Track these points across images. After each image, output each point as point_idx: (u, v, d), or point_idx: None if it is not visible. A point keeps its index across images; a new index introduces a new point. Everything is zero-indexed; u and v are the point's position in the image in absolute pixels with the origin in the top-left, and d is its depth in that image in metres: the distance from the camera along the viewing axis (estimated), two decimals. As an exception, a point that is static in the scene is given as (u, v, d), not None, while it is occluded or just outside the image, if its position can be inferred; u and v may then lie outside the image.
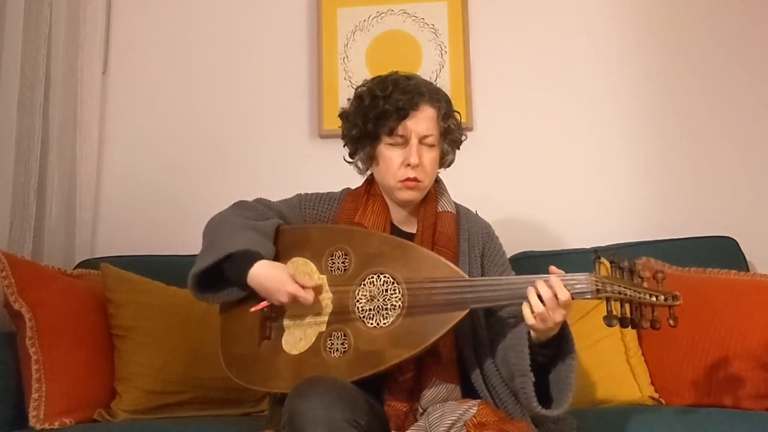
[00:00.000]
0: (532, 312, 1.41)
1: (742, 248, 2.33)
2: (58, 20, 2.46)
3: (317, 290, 1.56)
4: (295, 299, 1.53)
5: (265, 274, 1.55)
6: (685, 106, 2.59)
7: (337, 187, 1.81)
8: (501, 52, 2.67)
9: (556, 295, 1.40)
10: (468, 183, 2.37)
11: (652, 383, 2.08)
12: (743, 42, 2.60)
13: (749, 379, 1.91)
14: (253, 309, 1.59)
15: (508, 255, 1.83)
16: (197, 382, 2.04)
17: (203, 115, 2.69)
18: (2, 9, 2.27)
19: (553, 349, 1.48)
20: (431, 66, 2.65)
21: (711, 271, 2.16)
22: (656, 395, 2.06)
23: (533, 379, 1.44)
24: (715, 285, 2.10)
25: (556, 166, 2.59)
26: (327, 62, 2.67)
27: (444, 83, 2.58)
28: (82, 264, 2.37)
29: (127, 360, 2.03)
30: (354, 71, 2.64)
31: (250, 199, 1.77)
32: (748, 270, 2.30)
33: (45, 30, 2.39)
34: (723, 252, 2.31)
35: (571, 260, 2.17)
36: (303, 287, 1.53)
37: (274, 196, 1.81)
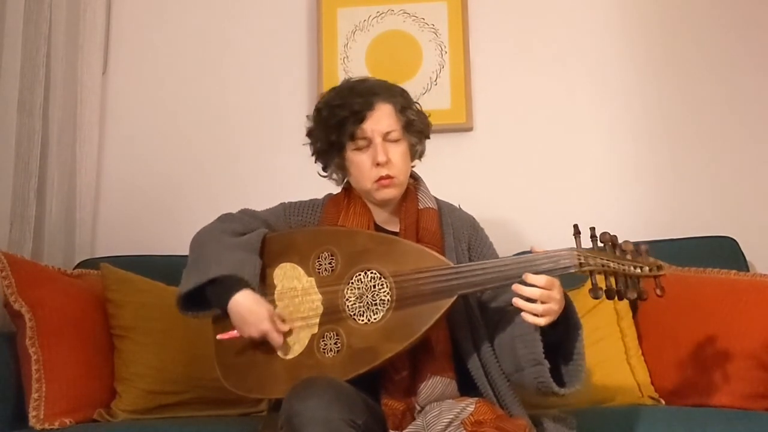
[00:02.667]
0: (537, 315, 1.41)
1: (742, 248, 2.33)
2: (58, 20, 2.46)
3: (290, 331, 1.57)
4: (264, 337, 1.54)
5: (247, 306, 1.55)
6: (685, 107, 2.59)
7: (336, 188, 1.81)
8: (501, 52, 2.67)
9: (542, 287, 1.40)
10: (468, 183, 2.39)
11: (652, 383, 2.08)
12: (746, 43, 2.60)
13: (749, 379, 1.91)
14: (220, 336, 1.61)
15: (507, 255, 1.82)
16: (197, 382, 2.04)
17: (203, 114, 2.70)
18: (2, 9, 2.27)
19: (563, 325, 1.48)
20: (431, 66, 2.64)
21: (711, 271, 2.16)
22: (656, 395, 2.06)
23: (548, 366, 1.45)
24: (715, 285, 2.10)
25: (555, 167, 2.59)
26: (327, 62, 2.67)
27: (444, 83, 2.60)
28: (82, 264, 2.37)
29: (127, 360, 2.04)
30: (354, 71, 2.64)
31: (248, 200, 1.79)
32: (748, 270, 2.29)
33: (45, 30, 2.39)
34: (723, 252, 2.30)
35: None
36: (277, 330, 1.55)
37: (274, 196, 1.83)
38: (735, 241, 2.34)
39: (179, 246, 2.29)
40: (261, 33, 2.72)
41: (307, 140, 1.75)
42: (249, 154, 2.66)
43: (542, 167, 2.60)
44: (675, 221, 2.48)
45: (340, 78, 2.63)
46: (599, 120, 2.61)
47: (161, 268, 2.23)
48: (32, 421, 1.84)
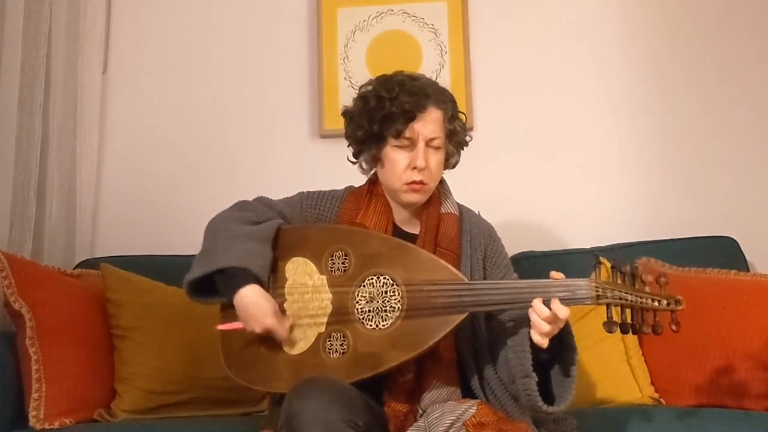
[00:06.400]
0: (542, 334, 1.41)
1: (742, 248, 2.33)
2: (58, 20, 2.46)
3: (297, 327, 1.56)
4: (268, 332, 1.54)
5: (252, 299, 1.54)
6: (685, 107, 2.59)
7: (337, 187, 1.80)
8: (501, 52, 2.67)
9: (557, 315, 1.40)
10: (468, 183, 2.37)
11: (653, 383, 2.08)
12: (749, 43, 2.60)
13: (749, 379, 1.91)
14: (220, 327, 1.61)
15: (509, 255, 1.83)
16: (197, 382, 2.04)
17: (203, 115, 2.69)
18: (2, 8, 2.28)
19: (555, 345, 1.48)
20: (431, 66, 2.64)
21: (711, 271, 2.16)
22: (656, 395, 2.06)
23: (536, 379, 1.44)
24: (715, 285, 2.10)
25: (556, 166, 2.59)
26: (327, 62, 2.67)
27: (444, 83, 2.53)
28: (82, 264, 2.37)
29: (127, 360, 2.03)
30: (354, 71, 2.64)
31: (250, 198, 1.77)
32: (748, 270, 2.30)
33: (45, 29, 2.39)
34: (723, 252, 2.30)
35: (572, 260, 2.18)
36: (281, 325, 1.54)
37: (275, 195, 1.81)
38: (735, 241, 2.34)
39: (179, 246, 2.31)
40: (261, 33, 2.72)
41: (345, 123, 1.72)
42: (249, 154, 2.66)
43: (543, 167, 2.60)
44: (675, 221, 2.48)
45: (340, 78, 2.65)
46: (600, 120, 2.61)
47: (161, 268, 2.23)
48: (32, 421, 1.84)
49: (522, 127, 2.62)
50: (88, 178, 2.56)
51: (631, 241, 2.36)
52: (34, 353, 1.89)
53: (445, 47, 2.66)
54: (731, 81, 2.59)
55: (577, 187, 2.58)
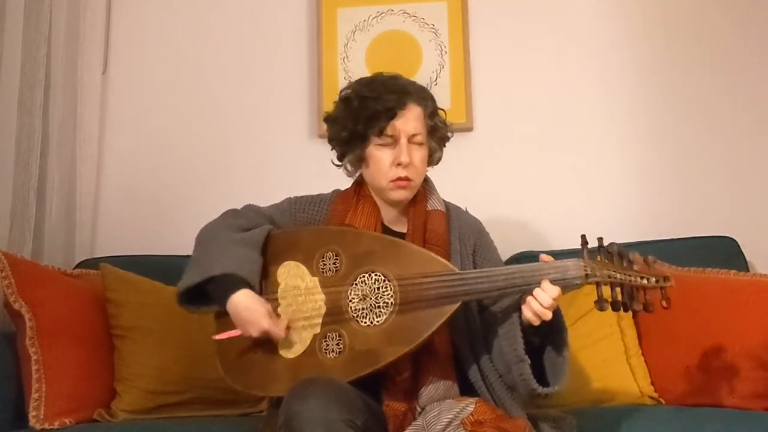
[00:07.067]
0: (538, 316, 1.43)
1: (742, 248, 2.33)
2: (58, 20, 2.46)
3: (292, 330, 1.57)
4: (265, 334, 1.54)
5: (245, 304, 1.55)
6: (685, 107, 2.59)
7: (337, 187, 1.81)
8: (501, 52, 2.67)
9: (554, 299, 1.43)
10: (468, 182, 2.39)
11: (652, 383, 2.08)
12: (748, 43, 2.60)
13: (749, 378, 1.91)
14: (217, 337, 1.61)
15: (507, 255, 1.83)
16: (197, 382, 2.04)
17: (203, 115, 2.70)
18: (2, 9, 2.28)
19: (545, 328, 1.49)
20: (431, 66, 2.64)
21: (711, 271, 2.16)
22: (656, 395, 2.06)
23: (529, 362, 1.46)
24: (715, 285, 2.10)
25: (555, 166, 2.59)
26: (327, 62, 2.67)
27: (444, 83, 2.60)
28: (82, 264, 2.38)
29: (127, 360, 2.04)
30: (354, 71, 2.64)
31: (248, 200, 1.78)
32: (748, 270, 2.30)
33: (45, 30, 2.39)
34: (723, 252, 2.31)
35: (571, 260, 2.17)
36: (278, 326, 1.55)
37: (274, 195, 1.82)
38: (735, 241, 2.34)
39: (179, 246, 2.30)
40: (261, 33, 2.72)
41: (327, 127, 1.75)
42: (248, 154, 2.66)
43: (542, 167, 2.60)
44: (675, 221, 2.49)
45: (340, 78, 2.65)
46: (599, 120, 2.61)
47: (161, 268, 2.23)
48: (32, 421, 1.84)
49: (522, 127, 2.62)
50: (88, 178, 2.57)
51: (631, 241, 2.35)
52: (34, 353, 1.89)
53: (445, 47, 2.66)
54: (731, 81, 2.59)
55: (576, 187, 2.58)
